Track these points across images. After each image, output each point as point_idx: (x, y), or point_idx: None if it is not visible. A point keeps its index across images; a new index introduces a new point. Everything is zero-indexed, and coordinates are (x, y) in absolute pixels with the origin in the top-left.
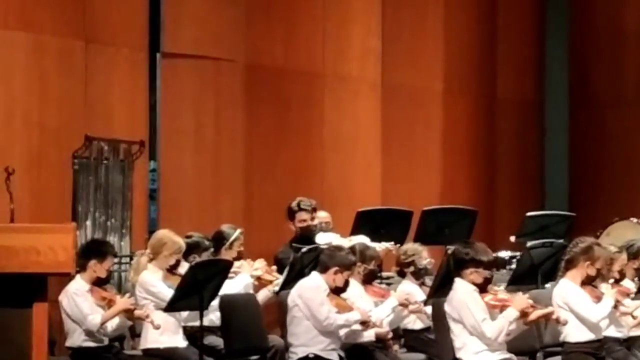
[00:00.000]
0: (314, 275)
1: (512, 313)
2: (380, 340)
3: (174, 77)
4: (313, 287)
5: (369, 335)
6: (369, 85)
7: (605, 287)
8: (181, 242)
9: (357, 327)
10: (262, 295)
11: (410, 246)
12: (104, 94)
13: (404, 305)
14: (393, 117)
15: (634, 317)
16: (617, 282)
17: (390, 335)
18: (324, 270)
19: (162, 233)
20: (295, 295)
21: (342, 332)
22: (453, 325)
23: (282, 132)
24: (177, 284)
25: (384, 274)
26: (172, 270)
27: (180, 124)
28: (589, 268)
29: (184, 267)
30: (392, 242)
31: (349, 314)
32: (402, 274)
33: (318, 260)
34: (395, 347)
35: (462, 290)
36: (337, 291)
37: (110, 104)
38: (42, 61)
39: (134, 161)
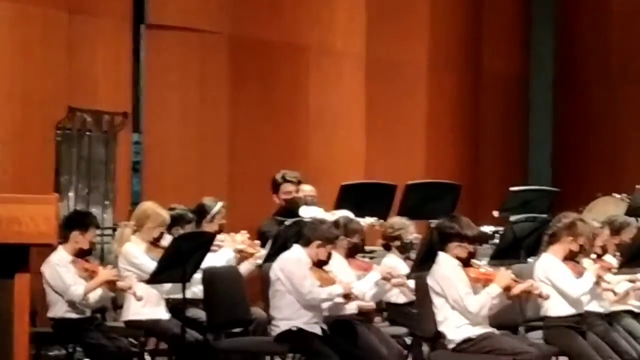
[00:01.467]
0: (296, 248)
1: (495, 289)
2: (362, 313)
3: (159, 49)
4: (295, 260)
5: (351, 309)
6: (354, 60)
7: (587, 263)
8: (165, 215)
9: (340, 300)
10: (245, 268)
11: (397, 220)
12: (87, 66)
13: (386, 279)
14: (378, 91)
15: (615, 294)
16: (599, 257)
17: (373, 308)
18: (306, 243)
19: (147, 205)
20: (277, 268)
21: (325, 305)
22: (435, 299)
23: (266, 106)
24: (160, 256)
25: (368, 247)
26: (155, 242)
27: (165, 97)
28: (571, 243)
29: (167, 240)
30: (376, 218)
31: (331, 288)
32: (387, 248)
33: (301, 234)
34: (377, 319)
35: (446, 265)
36: (319, 264)
37: (94, 76)
38: (26, 32)
39: (117, 133)
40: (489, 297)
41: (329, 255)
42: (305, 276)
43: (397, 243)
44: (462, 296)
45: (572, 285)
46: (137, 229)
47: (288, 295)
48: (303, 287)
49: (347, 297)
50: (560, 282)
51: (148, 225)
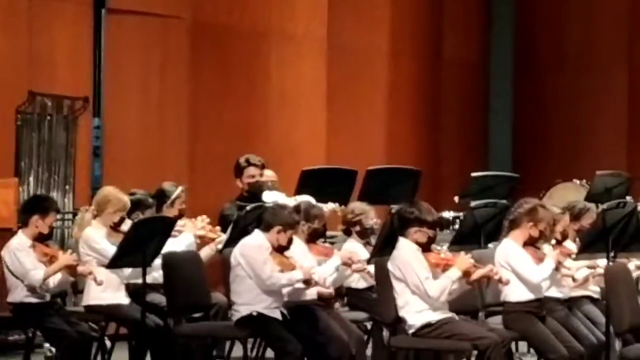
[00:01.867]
0: (257, 233)
1: (454, 272)
2: (322, 298)
3: (119, 34)
4: (256, 245)
5: (311, 294)
6: (315, 44)
7: (547, 248)
8: (126, 200)
9: (300, 285)
10: (205, 253)
11: (357, 205)
12: (48, 50)
13: (347, 264)
14: (339, 76)
15: (574, 280)
16: (559, 243)
17: (332, 294)
18: (267, 229)
19: (108, 190)
20: (237, 253)
21: (285, 290)
22: (396, 284)
23: (227, 90)
24: (120, 241)
25: (328, 233)
26: (115, 227)
27: (125, 81)
28: (532, 229)
29: (127, 225)
30: (337, 204)
31: (291, 273)
32: (348, 233)
33: (261, 219)
34: (337, 305)
35: (406, 250)
36: (280, 250)
37: (55, 60)
38: None
39: (77, 117)
40: (449, 281)
41: (290, 241)
42: (266, 261)
43: (358, 228)
44: (422, 281)
45: (532, 271)
46: (98, 214)
47: (248, 280)
48: (263, 272)
49: (308, 282)
50: (521, 268)
51: (108, 210)
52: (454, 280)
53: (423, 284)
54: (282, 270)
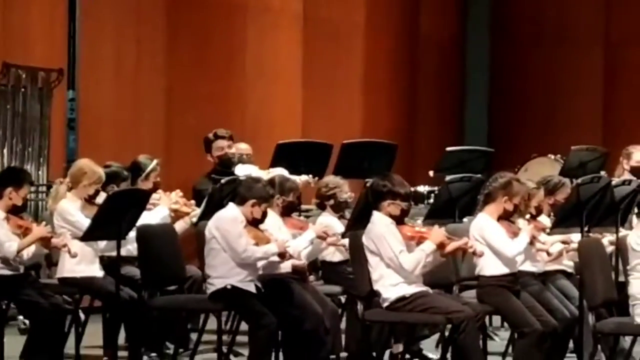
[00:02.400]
0: (231, 207)
1: (429, 245)
2: (297, 272)
3: (95, 5)
4: (230, 219)
5: (285, 267)
6: (292, 17)
7: (522, 223)
8: (101, 173)
9: (275, 259)
10: (179, 227)
11: (331, 179)
12: (23, 22)
13: (322, 237)
14: (315, 50)
15: (549, 254)
16: (533, 218)
17: (305, 265)
18: (241, 202)
19: (83, 162)
20: (212, 227)
21: (260, 264)
22: (370, 258)
23: (203, 63)
24: (94, 213)
25: (303, 206)
26: (90, 200)
27: (100, 53)
28: (506, 203)
29: (102, 197)
30: (311, 175)
31: (266, 246)
32: (322, 207)
33: (236, 192)
34: (311, 277)
35: (380, 223)
36: (254, 223)
37: (30, 32)
38: None
39: (52, 90)
40: (424, 253)
41: (264, 214)
42: (240, 234)
43: (332, 202)
44: (396, 254)
45: (507, 245)
46: (73, 186)
47: (223, 254)
48: (238, 245)
49: (282, 256)
50: (495, 242)
51: (83, 183)
52: (428, 253)
53: (397, 257)
54: (257, 244)
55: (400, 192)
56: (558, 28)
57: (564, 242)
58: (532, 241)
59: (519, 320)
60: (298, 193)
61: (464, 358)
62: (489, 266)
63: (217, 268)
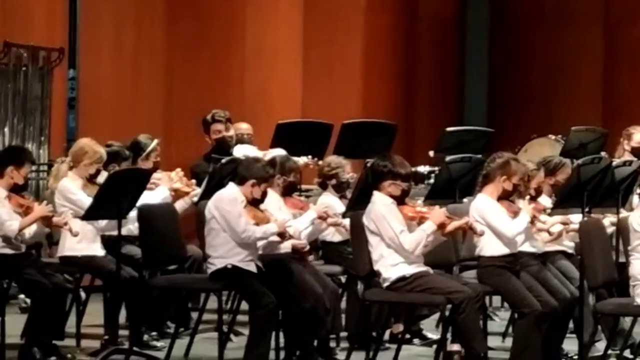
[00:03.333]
0: (231, 186)
1: (429, 226)
2: (297, 252)
3: None
4: (230, 199)
5: (285, 247)
6: None
7: (522, 204)
8: (102, 152)
9: (275, 239)
10: (179, 206)
11: (333, 159)
12: (23, 0)
13: (322, 218)
14: (314, 29)
15: (550, 233)
16: (533, 199)
17: (307, 247)
18: (241, 182)
19: (84, 142)
20: (212, 207)
21: (260, 244)
22: (371, 238)
23: (202, 42)
24: (96, 193)
25: (304, 186)
26: (91, 179)
27: (101, 33)
28: (505, 183)
29: (103, 177)
30: (311, 157)
31: (266, 226)
32: (323, 186)
33: (236, 172)
34: (311, 257)
35: (380, 203)
36: (254, 203)
37: (30, 11)
38: None
39: (53, 69)
40: (424, 234)
41: (264, 194)
42: (240, 214)
43: (333, 182)
44: (397, 234)
45: (507, 225)
46: (74, 165)
47: (223, 233)
48: (238, 225)
49: (282, 235)
50: (495, 222)
51: (84, 162)
52: (429, 233)
53: (398, 237)
54: (257, 224)
55: (400, 172)
56: (558, 7)
57: (563, 223)
58: (533, 221)
59: (518, 300)
60: (298, 173)
61: (464, 338)
62: (489, 247)
63: (217, 248)
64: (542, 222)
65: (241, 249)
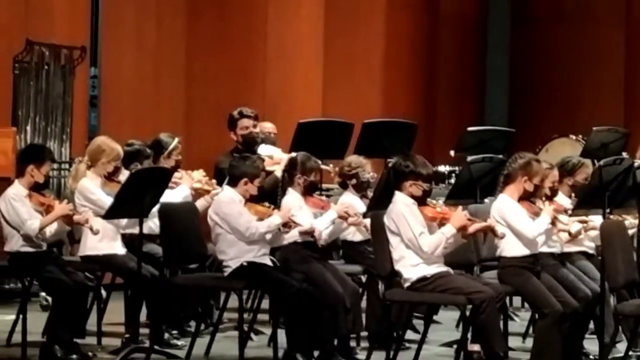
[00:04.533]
0: (226, 189)
1: (449, 229)
2: (318, 250)
3: None
4: (227, 201)
5: (291, 236)
6: None
7: (542, 204)
8: (119, 149)
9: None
10: (200, 205)
11: (354, 158)
12: None
13: (343, 217)
14: (336, 28)
15: (570, 234)
16: (549, 198)
17: (313, 230)
18: (234, 183)
19: (100, 140)
20: (212, 213)
21: (267, 237)
22: (391, 238)
23: (224, 40)
24: (115, 191)
25: (325, 185)
26: (110, 177)
27: (122, 31)
28: (526, 183)
29: (124, 175)
30: (332, 165)
31: (269, 219)
32: (344, 186)
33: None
34: (321, 242)
35: (401, 203)
36: (253, 199)
37: (52, 9)
38: None
39: (75, 67)
40: (444, 237)
41: (260, 189)
42: (240, 213)
43: (354, 181)
44: (416, 235)
45: (528, 226)
46: (92, 164)
47: (229, 236)
48: (240, 225)
49: (287, 225)
50: (516, 223)
51: (102, 160)
52: (448, 237)
53: (417, 239)
54: (261, 219)
55: (422, 172)
56: (579, 6)
57: (581, 222)
58: (554, 221)
59: (539, 301)
60: (319, 173)
61: (483, 338)
62: (510, 247)
63: (228, 252)
64: (564, 222)
65: (252, 246)
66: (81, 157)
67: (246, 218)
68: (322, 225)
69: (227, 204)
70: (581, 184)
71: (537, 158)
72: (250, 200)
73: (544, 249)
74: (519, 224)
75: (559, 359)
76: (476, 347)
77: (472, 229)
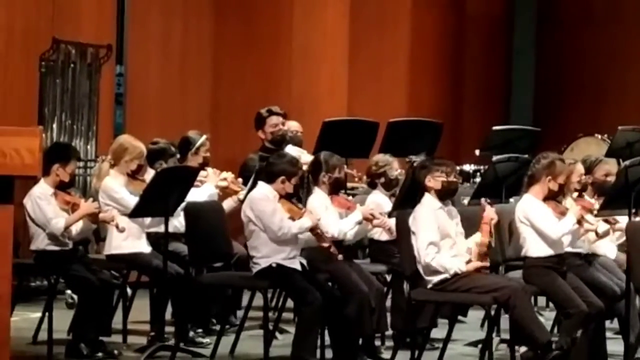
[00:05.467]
0: (262, 185)
1: (462, 265)
2: (342, 250)
3: None
4: (262, 198)
5: (304, 241)
6: None
7: (569, 203)
8: (142, 147)
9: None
10: (227, 205)
11: (381, 157)
12: None
13: (368, 219)
14: (361, 28)
15: (597, 234)
16: (579, 193)
17: (333, 248)
18: (271, 180)
19: (123, 138)
20: (247, 209)
21: (300, 237)
22: (413, 239)
23: (250, 40)
24: (139, 189)
25: (351, 184)
26: (134, 175)
27: (148, 29)
28: (550, 183)
29: (149, 174)
30: (355, 171)
31: (301, 221)
32: (372, 185)
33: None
34: (340, 257)
35: (426, 207)
36: (288, 197)
37: (79, 7)
38: None
39: (101, 65)
40: (451, 264)
41: (296, 188)
42: (275, 211)
43: (382, 180)
44: (423, 243)
45: (551, 227)
46: (115, 163)
47: (263, 234)
48: (273, 223)
49: (314, 230)
50: (540, 223)
51: (125, 159)
52: (457, 270)
53: (420, 250)
54: (292, 218)
55: (442, 168)
56: (606, 6)
57: (606, 222)
58: (580, 221)
59: (564, 301)
60: (343, 169)
61: (523, 332)
62: (535, 247)
63: (259, 248)
64: (591, 223)
65: (284, 246)
66: (104, 156)
67: (280, 217)
68: (347, 227)
69: (262, 200)
70: (601, 181)
71: (561, 157)
72: (285, 197)
73: (571, 249)
74: (543, 224)
75: (585, 359)
76: (522, 349)
77: (470, 266)
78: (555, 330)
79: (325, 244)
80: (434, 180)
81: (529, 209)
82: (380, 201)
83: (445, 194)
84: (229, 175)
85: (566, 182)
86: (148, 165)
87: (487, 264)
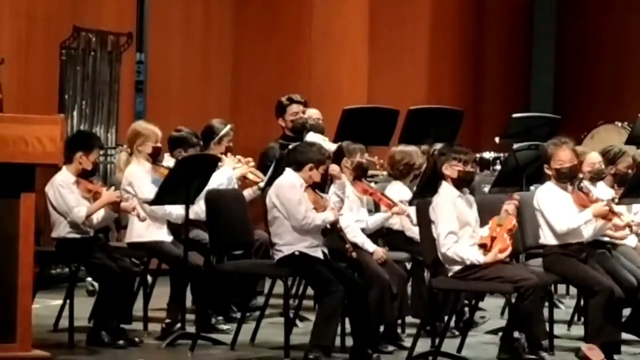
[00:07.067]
0: (289, 173)
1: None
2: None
3: None
4: (289, 185)
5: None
6: None
7: (603, 189)
8: (156, 130)
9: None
10: (247, 194)
11: (402, 147)
12: None
13: (397, 213)
14: (382, 15)
15: (630, 228)
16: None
17: (350, 248)
18: (298, 167)
19: (135, 125)
20: (272, 195)
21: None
22: (432, 227)
23: (270, 27)
24: (164, 176)
25: (372, 172)
26: (153, 158)
27: (169, 17)
28: (548, 170)
29: (170, 162)
30: (377, 157)
31: (325, 214)
32: (394, 175)
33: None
34: (354, 254)
35: (444, 196)
36: (314, 186)
37: None
38: None
39: (121, 53)
40: (468, 255)
41: (324, 177)
42: (300, 201)
43: (403, 169)
44: (442, 233)
45: (559, 219)
46: (132, 151)
47: (287, 222)
48: (298, 212)
49: (335, 224)
50: (548, 213)
51: (137, 143)
52: (472, 259)
53: (440, 237)
54: (316, 208)
55: (461, 157)
56: None
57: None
58: (610, 217)
59: (588, 279)
60: (364, 153)
61: (526, 324)
62: (550, 236)
63: (282, 236)
64: (621, 219)
65: (307, 235)
66: (121, 147)
67: (305, 207)
68: (374, 223)
69: (290, 188)
70: (623, 173)
71: (556, 142)
72: (312, 187)
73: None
74: (550, 214)
75: (618, 335)
76: (516, 334)
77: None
78: (576, 318)
79: (347, 245)
80: (451, 169)
81: (541, 197)
82: (401, 191)
83: (461, 184)
84: (249, 161)
85: (574, 169)
86: (169, 152)
87: (507, 253)
